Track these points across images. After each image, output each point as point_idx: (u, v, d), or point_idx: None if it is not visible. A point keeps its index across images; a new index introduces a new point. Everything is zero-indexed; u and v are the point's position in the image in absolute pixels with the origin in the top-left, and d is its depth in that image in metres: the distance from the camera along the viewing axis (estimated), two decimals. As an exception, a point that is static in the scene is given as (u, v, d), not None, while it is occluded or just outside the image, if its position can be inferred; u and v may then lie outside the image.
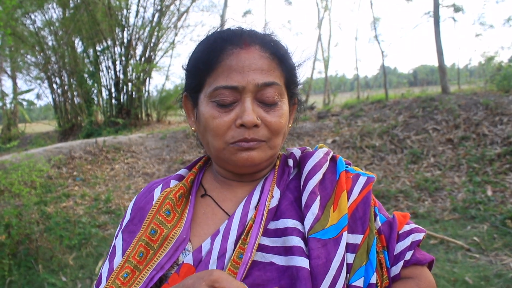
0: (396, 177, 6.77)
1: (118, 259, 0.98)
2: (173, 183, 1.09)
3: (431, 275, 1.03)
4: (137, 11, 17.88)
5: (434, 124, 8.12)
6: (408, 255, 0.99)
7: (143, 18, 18.39)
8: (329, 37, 16.79)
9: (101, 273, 0.99)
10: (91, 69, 17.78)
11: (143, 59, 18.51)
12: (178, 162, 9.65)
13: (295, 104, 1.13)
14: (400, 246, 1.00)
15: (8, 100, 20.42)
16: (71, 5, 16.81)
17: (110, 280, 0.93)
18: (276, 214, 0.98)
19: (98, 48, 17.87)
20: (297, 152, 1.12)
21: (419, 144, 7.62)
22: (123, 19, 17.65)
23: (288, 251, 0.91)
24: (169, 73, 20.14)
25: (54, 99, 18.73)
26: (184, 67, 1.07)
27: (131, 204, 1.10)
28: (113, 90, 18.25)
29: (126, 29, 17.95)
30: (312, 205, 0.96)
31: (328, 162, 1.07)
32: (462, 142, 7.37)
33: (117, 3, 16.79)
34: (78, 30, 17.02)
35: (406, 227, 1.04)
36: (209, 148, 1.04)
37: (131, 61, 18.03)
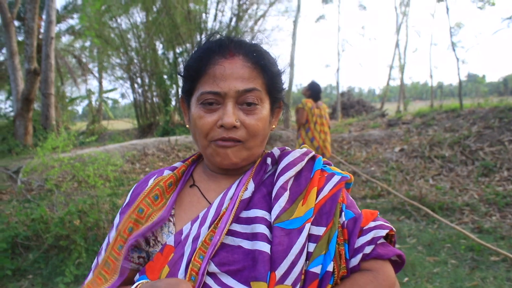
0: (464, 189, 6.47)
1: (112, 234, 1.12)
2: (166, 172, 1.22)
3: (392, 270, 1.06)
4: (215, 15, 18.43)
5: (511, 136, 7.68)
6: (367, 249, 1.04)
7: (221, 22, 18.94)
8: (406, 43, 16.15)
9: (102, 246, 1.15)
10: (170, 70, 18.50)
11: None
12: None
13: (280, 107, 1.23)
14: (361, 241, 1.05)
15: (94, 98, 21.90)
16: (154, 9, 17.61)
17: (107, 251, 1.10)
18: (248, 204, 1.08)
19: (177, 50, 18.57)
20: (276, 151, 1.20)
21: (493, 156, 7.24)
22: (202, 23, 18.22)
23: (254, 237, 1.01)
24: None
25: (135, 98, 19.67)
26: (180, 72, 1.19)
27: (130, 191, 1.22)
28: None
29: (204, 32, 18.55)
30: (280, 198, 1.05)
31: (305, 161, 1.14)
32: (541, 157, 6.93)
33: (197, 7, 17.37)
34: (159, 33, 17.84)
35: (371, 224, 1.09)
36: (198, 144, 1.16)
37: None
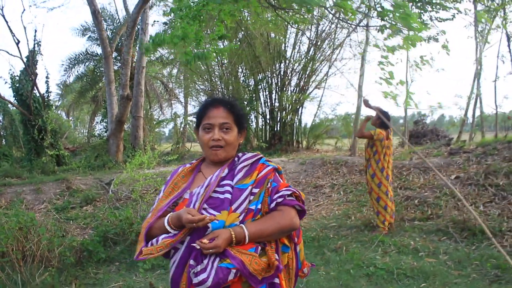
0: (513, 216, 6.74)
1: (160, 195, 2.07)
2: (187, 165, 2.20)
3: (294, 212, 1.92)
4: (294, 45, 19.33)
5: None
6: (279, 200, 1.91)
7: (299, 51, 19.85)
8: (479, 71, 15.91)
9: (154, 201, 2.04)
10: (250, 96, 19.61)
11: (297, 89, 19.89)
12: (311, 186, 10.44)
13: (244, 130, 2.16)
14: (276, 196, 1.93)
15: (179, 121, 23.67)
16: (237, 39, 18.84)
17: (157, 203, 2.04)
18: (224, 179, 2.00)
19: (258, 77, 19.55)
20: (240, 155, 2.12)
21: (547, 186, 7.38)
22: (281, 53, 19.22)
23: (225, 192, 1.93)
24: (321, 103, 21.07)
25: (217, 123, 20.75)
26: (194, 116, 2.20)
27: (170, 176, 2.11)
28: (268, 117, 19.84)
29: (283, 61, 19.54)
30: (238, 174, 1.99)
31: (256, 158, 2.06)
32: None
33: (276, 37, 18.34)
34: (241, 61, 18.99)
35: (284, 189, 1.95)
36: (203, 150, 2.13)
37: (286, 91, 19.52)
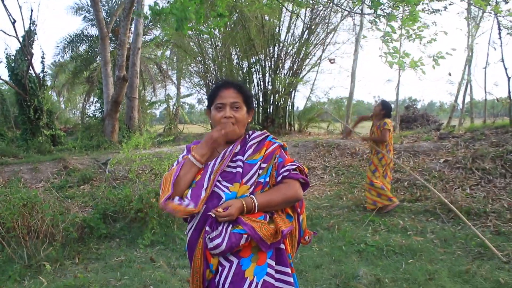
0: (498, 199, 6.95)
1: (180, 159, 2.23)
2: (202, 141, 2.27)
3: (298, 184, 2.11)
4: (288, 28, 19.37)
5: (554, 152, 8.02)
6: (285, 173, 2.10)
7: (293, 35, 19.90)
8: (471, 58, 16.13)
9: (173, 164, 2.26)
10: (244, 79, 19.64)
11: (290, 72, 20.05)
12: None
13: (252, 110, 2.34)
14: (282, 170, 2.12)
15: (172, 102, 23.75)
16: (232, 21, 18.83)
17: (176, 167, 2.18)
18: (237, 154, 2.17)
19: (251, 60, 19.68)
20: (250, 133, 2.28)
21: (531, 170, 7.67)
22: (274, 36, 19.28)
23: (237, 167, 2.11)
24: (314, 87, 21.26)
25: (210, 104, 20.87)
26: (206, 96, 2.38)
27: (185, 149, 2.29)
28: (261, 100, 19.97)
29: (276, 45, 19.62)
30: (248, 150, 2.16)
31: (263, 136, 2.24)
32: None
33: (271, 20, 18.38)
34: (234, 44, 19.03)
35: (289, 164, 2.14)
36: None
37: (279, 74, 19.66)
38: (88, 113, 23.80)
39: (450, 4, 7.90)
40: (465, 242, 5.38)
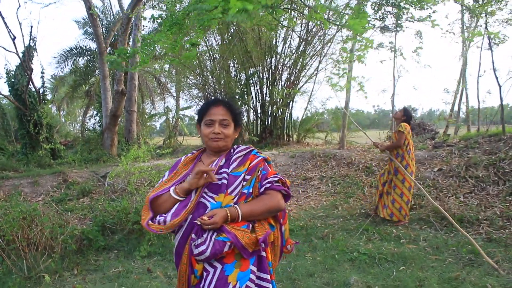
0: (490, 206, 7.05)
1: (164, 178, 2.37)
2: (189, 154, 2.47)
3: (280, 196, 2.23)
4: (284, 40, 19.57)
5: (546, 160, 8.14)
6: (267, 185, 2.23)
7: (290, 46, 20.04)
8: (465, 66, 16.27)
9: (160, 180, 2.36)
10: (242, 91, 19.83)
11: (287, 83, 20.18)
12: (301, 178, 10.77)
13: (239, 127, 2.47)
14: (265, 182, 2.24)
15: (171, 115, 23.95)
16: (229, 34, 19.02)
17: (161, 183, 2.33)
18: (222, 167, 2.29)
19: (249, 72, 19.74)
20: (235, 147, 2.41)
21: (523, 178, 7.78)
22: (271, 48, 19.43)
23: (222, 178, 2.23)
24: (312, 97, 21.39)
25: (208, 117, 21.03)
26: (196, 112, 2.54)
27: (174, 163, 2.41)
28: (259, 111, 20.08)
29: (274, 56, 19.77)
30: (233, 163, 2.29)
31: (248, 150, 2.37)
32: None
33: (267, 33, 18.53)
34: (232, 56, 19.13)
35: (272, 176, 2.27)
36: (203, 142, 2.42)
37: (277, 86, 19.78)
38: (88, 127, 23.97)
39: (433, 12, 8.01)
40: (456, 250, 5.48)
